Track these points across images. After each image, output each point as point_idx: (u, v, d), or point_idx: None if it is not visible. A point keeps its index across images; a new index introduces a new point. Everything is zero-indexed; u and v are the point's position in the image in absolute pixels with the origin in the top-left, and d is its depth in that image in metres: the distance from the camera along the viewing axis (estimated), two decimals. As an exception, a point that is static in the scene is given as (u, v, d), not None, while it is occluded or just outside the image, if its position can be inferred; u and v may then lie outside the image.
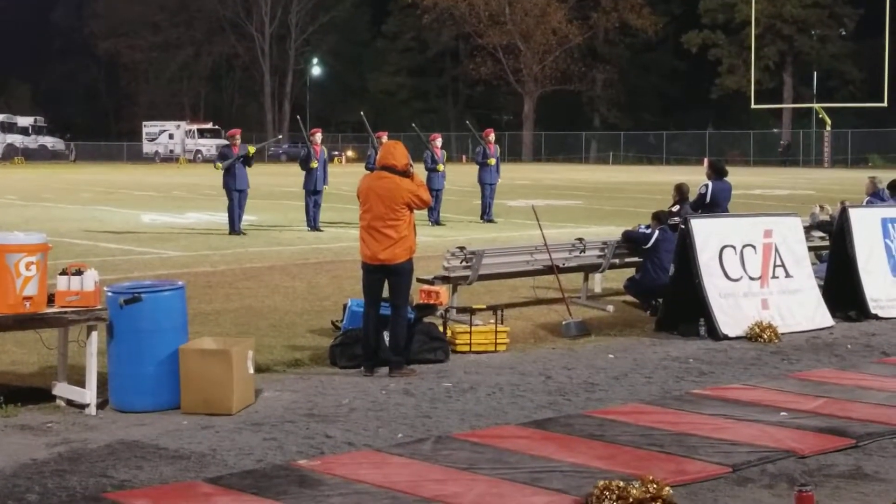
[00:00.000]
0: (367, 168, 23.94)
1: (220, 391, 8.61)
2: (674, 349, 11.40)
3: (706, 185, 15.17)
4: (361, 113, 20.90)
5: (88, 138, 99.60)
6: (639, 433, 8.08)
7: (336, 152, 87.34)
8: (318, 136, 24.30)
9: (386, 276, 9.80)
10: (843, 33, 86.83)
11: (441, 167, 25.47)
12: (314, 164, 23.38)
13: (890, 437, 8.07)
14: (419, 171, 11.66)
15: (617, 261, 14.32)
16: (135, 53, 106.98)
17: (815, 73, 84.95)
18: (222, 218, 24.23)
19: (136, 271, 16.29)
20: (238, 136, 23.22)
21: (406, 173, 9.64)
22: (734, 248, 12.55)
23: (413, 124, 27.86)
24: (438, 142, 26.06)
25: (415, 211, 9.90)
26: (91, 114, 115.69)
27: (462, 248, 12.77)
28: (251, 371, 8.92)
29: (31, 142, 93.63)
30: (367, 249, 9.78)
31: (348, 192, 31.45)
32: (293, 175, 30.13)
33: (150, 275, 15.60)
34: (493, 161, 26.69)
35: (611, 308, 13.79)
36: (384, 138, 24.11)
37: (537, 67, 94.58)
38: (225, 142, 25.38)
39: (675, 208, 14.89)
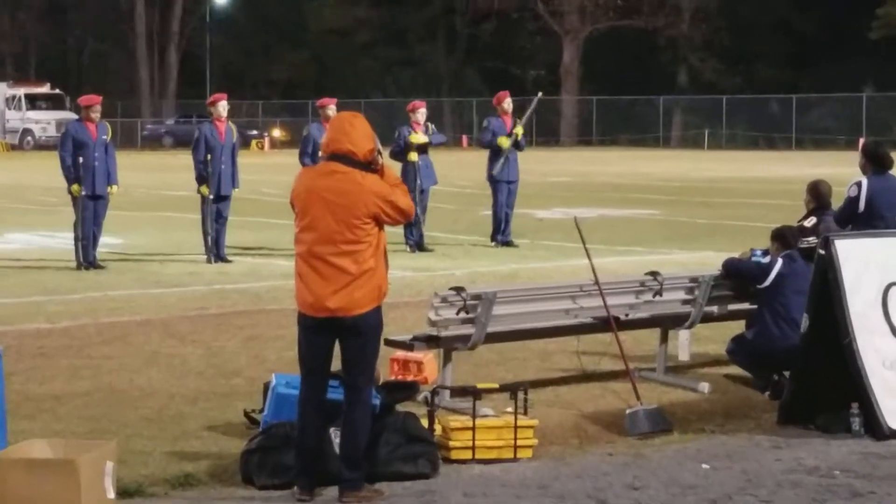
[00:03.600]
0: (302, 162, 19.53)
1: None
2: (809, 454, 9.76)
3: (858, 184, 12.86)
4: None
5: None
6: None
7: (254, 131, 69.85)
8: (223, 107, 20.19)
9: (338, 338, 8.33)
10: None
11: (506, 142, 20.77)
12: (208, 158, 19.07)
13: None
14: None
15: (715, 309, 12.14)
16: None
17: None
18: (64, 241, 20.28)
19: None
20: (98, 108, 19.15)
21: (371, 165, 8.20)
22: (908, 286, 11.06)
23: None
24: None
25: (387, 228, 8.43)
26: None
27: (460, 290, 10.60)
28: (111, 495, 7.89)
29: None
30: (307, 293, 8.32)
31: (273, 198, 28.52)
32: (183, 170, 26.61)
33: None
34: (505, 142, 21.01)
35: (705, 387, 11.59)
36: (331, 109, 20.60)
37: (584, -10, 70.96)
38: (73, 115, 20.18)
39: (810, 222, 12.62)
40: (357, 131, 8.25)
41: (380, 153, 8.23)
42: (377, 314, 8.23)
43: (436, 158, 21.61)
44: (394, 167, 11.05)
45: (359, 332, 8.20)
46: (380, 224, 8.20)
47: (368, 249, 8.18)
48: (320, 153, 8.79)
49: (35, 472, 7.51)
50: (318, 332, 8.27)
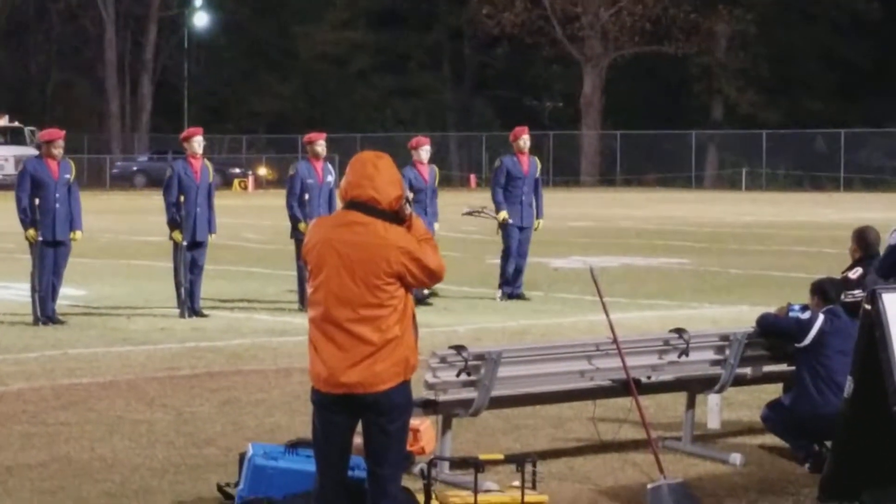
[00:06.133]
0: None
1: None
2: (855, 536, 9.17)
3: (902, 229, 13.07)
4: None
5: None
6: None
7: (237, 169, 65.18)
8: (198, 143, 18.39)
9: (359, 418, 7.59)
10: None
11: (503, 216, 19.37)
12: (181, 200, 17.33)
13: None
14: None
15: (748, 371, 11.52)
16: None
17: None
18: (20, 293, 19.06)
19: None
20: (60, 143, 17.60)
21: (399, 215, 7.60)
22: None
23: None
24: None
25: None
26: None
27: (460, 349, 10.20)
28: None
29: None
30: (320, 365, 7.53)
31: (255, 244, 27.55)
32: (156, 213, 24.38)
33: None
34: (504, 215, 20.00)
35: (737, 459, 10.94)
36: (320, 145, 19.09)
37: (607, 14, 66.14)
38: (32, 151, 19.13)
39: (856, 273, 11.91)
40: (382, 175, 7.60)
41: (408, 202, 7.64)
42: (404, 391, 7.53)
43: (440, 198, 20.64)
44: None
45: (381, 413, 7.51)
46: (406, 285, 7.59)
47: (393, 315, 7.52)
48: (338, 200, 8.07)
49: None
50: (334, 411, 7.55)
